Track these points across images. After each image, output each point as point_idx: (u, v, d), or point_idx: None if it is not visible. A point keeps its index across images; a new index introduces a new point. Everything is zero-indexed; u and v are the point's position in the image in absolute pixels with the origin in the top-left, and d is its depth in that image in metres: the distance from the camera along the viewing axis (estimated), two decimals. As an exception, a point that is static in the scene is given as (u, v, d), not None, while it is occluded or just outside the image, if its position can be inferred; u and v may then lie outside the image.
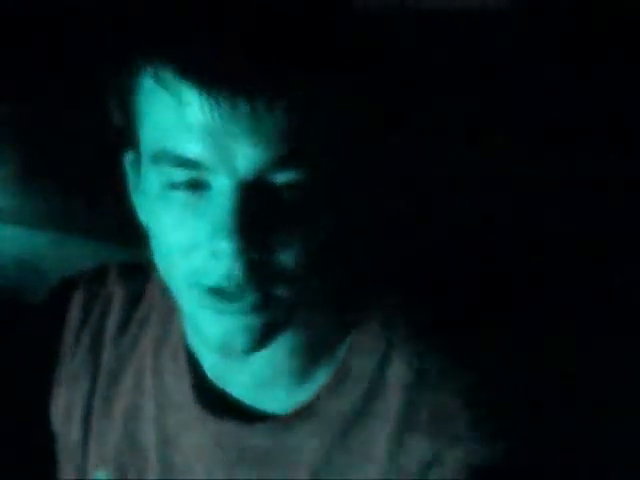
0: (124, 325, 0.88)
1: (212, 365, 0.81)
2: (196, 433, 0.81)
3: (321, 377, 0.78)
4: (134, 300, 0.89)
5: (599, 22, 1.05)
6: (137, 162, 0.74)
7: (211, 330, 0.71)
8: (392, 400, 0.76)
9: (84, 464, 0.87)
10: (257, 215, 0.67)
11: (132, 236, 0.78)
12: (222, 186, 0.67)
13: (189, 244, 0.69)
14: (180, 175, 0.68)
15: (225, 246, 0.67)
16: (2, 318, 0.93)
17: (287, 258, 0.69)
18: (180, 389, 0.82)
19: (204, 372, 0.82)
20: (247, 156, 0.66)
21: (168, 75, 0.66)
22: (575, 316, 1.07)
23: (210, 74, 0.64)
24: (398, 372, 0.77)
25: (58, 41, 1.21)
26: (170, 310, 0.85)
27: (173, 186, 0.69)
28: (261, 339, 0.72)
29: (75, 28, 1.18)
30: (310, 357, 0.79)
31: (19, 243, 1.32)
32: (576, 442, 0.98)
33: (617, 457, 1.04)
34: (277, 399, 0.79)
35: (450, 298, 1.01)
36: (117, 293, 0.89)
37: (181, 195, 0.69)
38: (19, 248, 1.32)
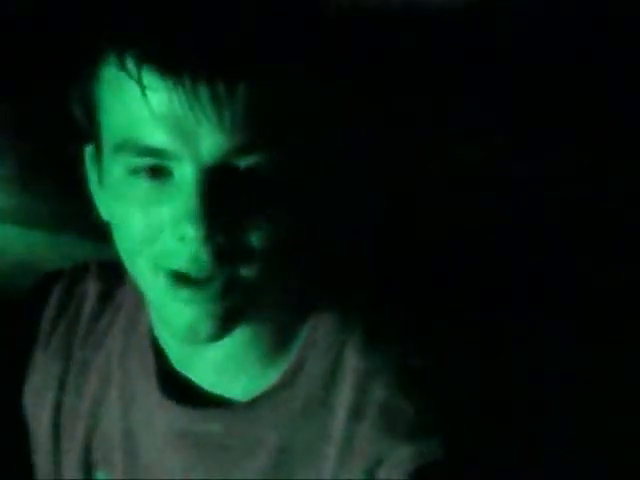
0: (96, 320, 0.90)
1: (176, 353, 0.82)
2: (159, 420, 0.82)
3: (281, 364, 0.79)
4: (107, 296, 0.90)
5: (600, 21, 1.05)
6: (98, 156, 0.75)
7: (176, 320, 0.72)
8: (346, 390, 0.77)
9: (56, 453, 0.88)
10: (222, 200, 0.68)
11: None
12: (185, 173, 0.68)
13: (153, 230, 0.70)
14: (142, 163, 0.69)
15: (191, 231, 0.67)
16: (2, 318, 0.93)
17: (253, 243, 0.70)
18: (144, 377, 0.84)
19: (169, 360, 0.82)
20: (210, 142, 0.67)
21: (130, 62, 0.67)
22: (562, 316, 1.07)
23: (171, 59, 0.65)
24: (353, 363, 0.78)
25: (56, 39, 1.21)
26: (139, 301, 0.86)
27: (135, 174, 0.70)
28: (225, 326, 0.72)
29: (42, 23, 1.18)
30: (271, 345, 0.79)
31: (19, 243, 1.32)
32: (526, 441, 0.98)
33: (574, 455, 1.04)
34: (239, 386, 0.80)
35: (419, 296, 1.01)
36: (92, 289, 0.91)
37: (143, 182, 0.70)
38: (19, 248, 1.32)
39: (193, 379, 0.81)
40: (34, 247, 1.31)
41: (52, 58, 1.14)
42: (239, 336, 0.77)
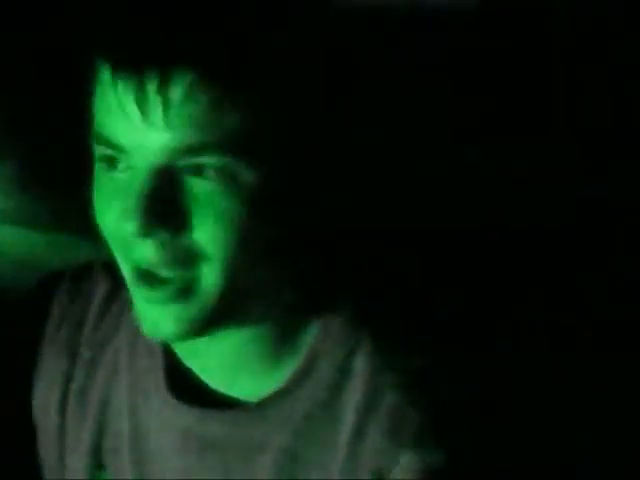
0: (102, 319, 0.90)
1: (183, 351, 0.82)
2: (165, 418, 0.82)
3: (289, 366, 0.79)
4: (114, 294, 0.90)
5: (599, 21, 1.05)
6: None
7: (143, 316, 0.73)
8: (356, 394, 0.77)
9: (62, 452, 0.88)
10: (166, 198, 0.68)
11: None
12: (137, 168, 0.69)
13: (114, 224, 0.71)
14: (109, 155, 0.71)
15: (130, 227, 0.68)
16: (2, 318, 0.93)
17: (203, 244, 0.70)
18: (152, 374, 0.84)
19: (178, 359, 0.82)
20: (158, 140, 0.68)
21: (98, 58, 0.70)
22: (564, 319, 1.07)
23: (121, 55, 0.67)
24: (363, 366, 0.78)
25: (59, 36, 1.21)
26: None
27: (104, 166, 0.72)
28: (191, 327, 0.73)
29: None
30: (278, 346, 0.79)
31: (19, 243, 1.32)
32: (529, 445, 0.98)
33: (570, 459, 1.05)
34: (246, 386, 0.80)
35: (425, 298, 1.01)
36: (98, 288, 0.91)
37: (110, 176, 0.71)
38: (19, 248, 1.32)
39: (201, 377, 0.81)
40: (34, 247, 1.31)
41: (54, 58, 1.15)
42: (244, 336, 0.77)
